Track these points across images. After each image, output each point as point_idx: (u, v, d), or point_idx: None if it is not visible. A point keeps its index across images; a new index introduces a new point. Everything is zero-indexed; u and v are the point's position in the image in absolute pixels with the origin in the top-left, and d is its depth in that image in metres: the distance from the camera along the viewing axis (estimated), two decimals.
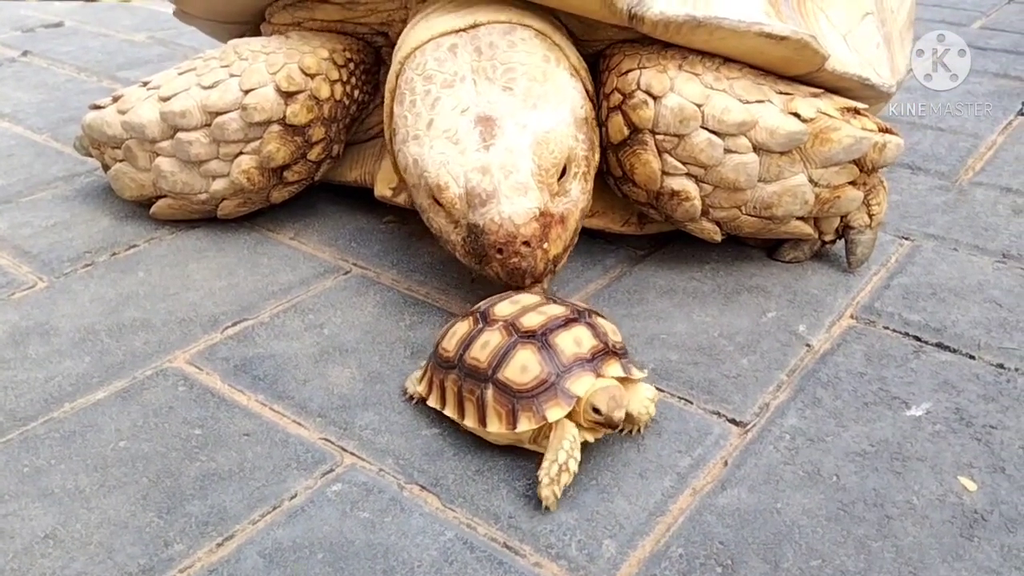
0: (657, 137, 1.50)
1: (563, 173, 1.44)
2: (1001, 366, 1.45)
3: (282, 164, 1.74)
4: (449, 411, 1.26)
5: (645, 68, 1.51)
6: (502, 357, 1.20)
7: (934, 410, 1.36)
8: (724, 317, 1.58)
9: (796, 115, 1.49)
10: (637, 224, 1.73)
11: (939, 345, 1.51)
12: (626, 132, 1.52)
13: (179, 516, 1.16)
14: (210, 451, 1.26)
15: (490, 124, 1.44)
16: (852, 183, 1.58)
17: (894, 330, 1.55)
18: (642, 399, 1.25)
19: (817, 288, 1.67)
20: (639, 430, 1.28)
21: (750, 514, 1.17)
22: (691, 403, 1.38)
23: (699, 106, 1.47)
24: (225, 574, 1.08)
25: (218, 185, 1.76)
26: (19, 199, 2.02)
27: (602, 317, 1.30)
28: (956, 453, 1.27)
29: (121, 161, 1.81)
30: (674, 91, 1.48)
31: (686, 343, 1.51)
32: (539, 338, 1.21)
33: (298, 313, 1.59)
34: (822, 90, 1.57)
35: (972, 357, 1.48)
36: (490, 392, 1.20)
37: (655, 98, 1.48)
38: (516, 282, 1.41)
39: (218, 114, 1.68)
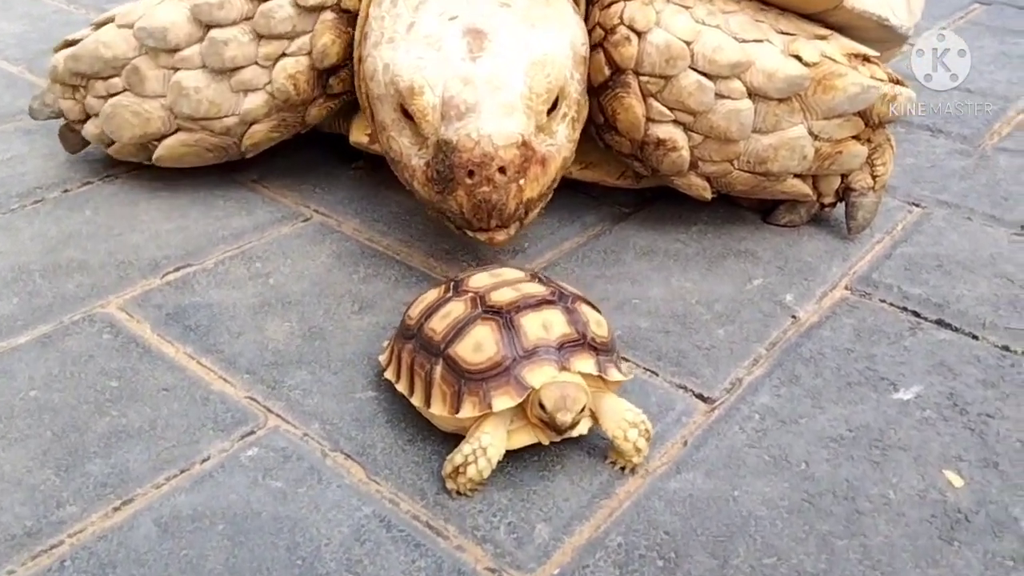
0: (641, 79, 1.36)
1: (554, 107, 1.30)
2: (1006, 348, 1.31)
3: (334, 64, 1.52)
4: (401, 386, 1.12)
5: (629, 0, 1.36)
6: (458, 331, 1.06)
7: (925, 394, 1.23)
8: (705, 283, 1.45)
9: (797, 58, 1.34)
10: (634, 177, 1.58)
11: (939, 322, 1.37)
12: (607, 73, 1.38)
13: (77, 475, 1.06)
14: (123, 406, 1.17)
15: (480, 37, 1.29)
16: (856, 138, 1.43)
17: (891, 304, 1.41)
18: (619, 419, 1.06)
19: (811, 255, 1.53)
20: (629, 468, 1.08)
21: (703, 501, 1.05)
22: (656, 375, 1.25)
23: (688, 43, 1.33)
24: (115, 542, 0.98)
25: (252, 101, 1.52)
26: None
27: (591, 306, 1.14)
28: (944, 443, 1.14)
29: (119, 93, 1.55)
30: (660, 26, 1.33)
31: (660, 309, 1.38)
32: (504, 315, 1.06)
33: (245, 260, 1.48)
34: (829, 31, 1.41)
35: (975, 337, 1.34)
36: (439, 369, 1.06)
37: (639, 34, 1.34)
38: (480, 221, 1.26)
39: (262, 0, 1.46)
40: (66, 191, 1.68)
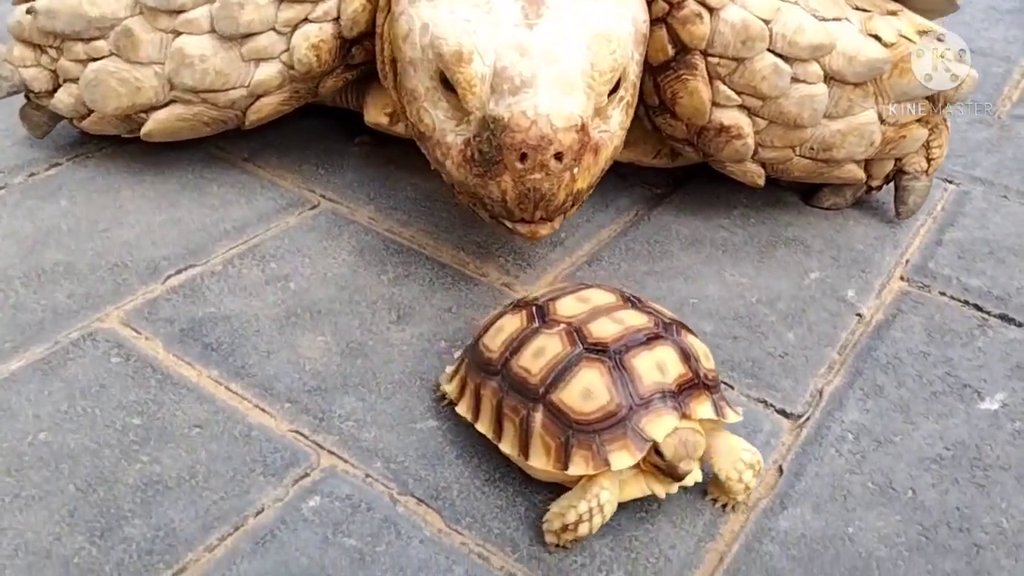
0: (710, 60, 1.23)
1: (614, 89, 1.16)
2: None
3: (361, 33, 1.33)
4: (483, 427, 0.99)
5: None
6: (560, 373, 0.93)
7: (1010, 402, 1.17)
8: (761, 277, 1.35)
9: (876, 38, 1.23)
10: (670, 156, 1.46)
11: (1003, 318, 1.31)
12: (671, 52, 1.24)
13: (116, 541, 0.92)
14: (153, 449, 1.02)
15: (536, 2, 1.13)
16: (918, 120, 1.34)
17: (952, 297, 1.34)
18: (735, 459, 0.96)
19: (861, 242, 1.44)
20: (732, 506, 0.99)
21: (818, 542, 0.97)
22: (732, 388, 1.16)
23: (767, 22, 1.20)
24: None
25: (265, 72, 1.33)
26: None
27: (692, 333, 1.02)
28: None
29: (104, 58, 1.33)
30: (736, 1, 1.20)
31: (721, 311, 1.28)
32: (612, 355, 0.93)
33: (257, 260, 1.32)
34: (898, 5, 1.31)
35: None
36: (539, 416, 0.93)
37: (711, 10, 1.20)
38: (524, 211, 1.12)
39: None
40: (32, 175, 1.47)
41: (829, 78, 1.24)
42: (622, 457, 0.90)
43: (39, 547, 0.90)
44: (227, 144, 1.56)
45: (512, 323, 1.02)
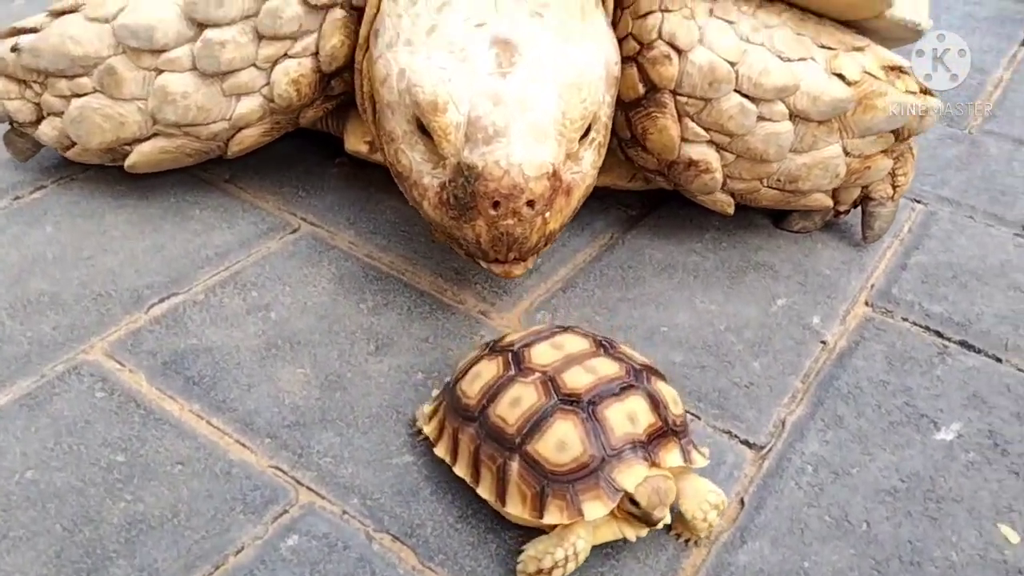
0: (679, 99, 1.26)
1: (585, 134, 1.19)
2: None
3: (340, 67, 1.37)
4: (460, 471, 1.03)
5: (668, 12, 1.25)
6: (536, 424, 0.97)
7: (965, 433, 1.21)
8: (730, 304, 1.39)
9: (840, 77, 1.27)
10: (644, 180, 1.49)
11: (963, 344, 1.35)
12: (641, 90, 1.28)
13: None
14: (136, 487, 1.05)
15: (510, 49, 1.16)
16: (884, 151, 1.38)
17: (914, 323, 1.39)
18: (701, 500, 1.00)
19: (828, 267, 1.49)
20: (694, 541, 1.03)
21: None
22: (699, 418, 1.21)
23: (733, 64, 1.24)
24: None
25: (246, 106, 1.36)
26: None
27: (661, 378, 1.06)
28: (993, 492, 1.13)
29: (87, 94, 1.36)
30: (704, 44, 1.24)
31: (690, 339, 1.32)
32: (585, 407, 0.97)
33: (238, 288, 1.35)
34: (866, 41, 1.34)
35: (999, 360, 1.33)
36: (515, 466, 0.97)
37: (680, 52, 1.24)
38: (498, 253, 1.16)
39: None
40: (17, 198, 1.50)
41: (794, 116, 1.27)
42: (595, 507, 0.94)
43: None
44: (209, 165, 1.58)
45: (489, 370, 1.05)
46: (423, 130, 1.16)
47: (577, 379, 1.00)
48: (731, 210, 1.41)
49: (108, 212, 1.48)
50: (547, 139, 1.12)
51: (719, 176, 1.32)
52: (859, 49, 1.33)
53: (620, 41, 1.28)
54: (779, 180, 1.35)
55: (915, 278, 1.48)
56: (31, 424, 1.12)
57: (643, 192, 1.58)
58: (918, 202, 1.67)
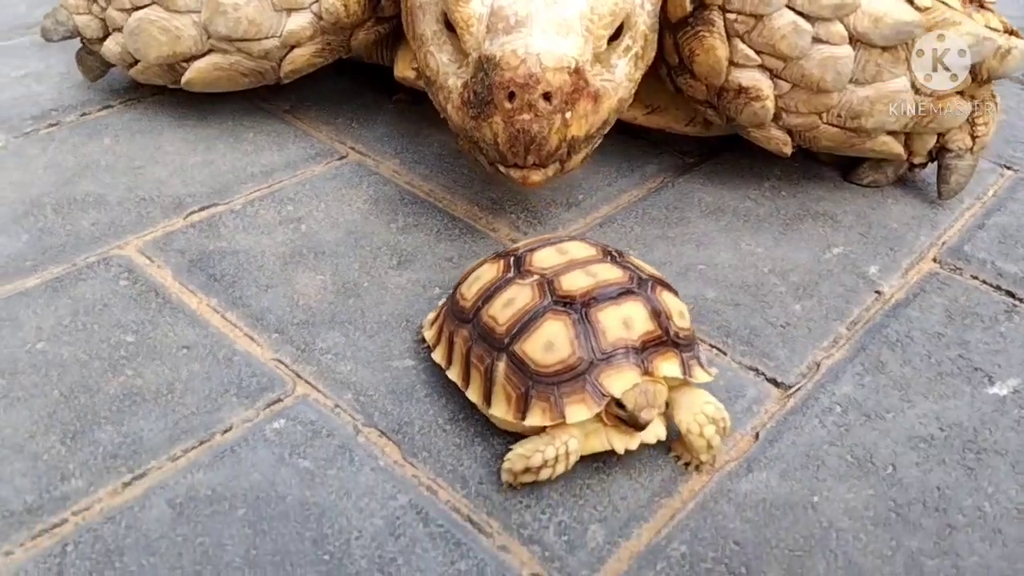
0: (728, 16, 1.20)
1: (616, 35, 1.14)
2: None
3: None
4: (453, 374, 1.00)
5: None
6: (525, 324, 0.92)
7: (1022, 390, 1.10)
8: (779, 249, 1.31)
9: (909, 0, 1.18)
10: (704, 124, 1.43)
11: None
12: (689, 7, 1.22)
13: (85, 443, 0.96)
14: (139, 364, 1.06)
15: None
16: (960, 93, 1.27)
17: (984, 281, 1.27)
18: (697, 412, 0.93)
19: (896, 221, 1.38)
20: (695, 466, 0.97)
21: (777, 507, 0.94)
22: (724, 354, 1.13)
23: None
24: (124, 524, 0.88)
25: (296, 22, 1.37)
26: None
27: (671, 291, 1.00)
28: None
29: (146, 6, 1.39)
30: None
31: (728, 278, 1.25)
32: (578, 308, 0.92)
33: (276, 202, 1.36)
34: None
35: None
36: (502, 366, 0.93)
37: None
38: (515, 155, 1.11)
39: None
40: (84, 115, 1.56)
41: (855, 40, 1.19)
42: (579, 410, 0.89)
43: (13, 442, 0.96)
44: (270, 95, 1.61)
45: (489, 272, 1.02)
46: (450, 28, 1.14)
47: (575, 282, 0.95)
48: (788, 149, 1.33)
49: (167, 130, 1.52)
50: (571, 33, 1.08)
51: (770, 105, 1.25)
52: None
53: None
54: (839, 116, 1.26)
55: (992, 237, 1.36)
56: (52, 303, 1.14)
57: (703, 140, 1.52)
58: (1008, 168, 1.54)
